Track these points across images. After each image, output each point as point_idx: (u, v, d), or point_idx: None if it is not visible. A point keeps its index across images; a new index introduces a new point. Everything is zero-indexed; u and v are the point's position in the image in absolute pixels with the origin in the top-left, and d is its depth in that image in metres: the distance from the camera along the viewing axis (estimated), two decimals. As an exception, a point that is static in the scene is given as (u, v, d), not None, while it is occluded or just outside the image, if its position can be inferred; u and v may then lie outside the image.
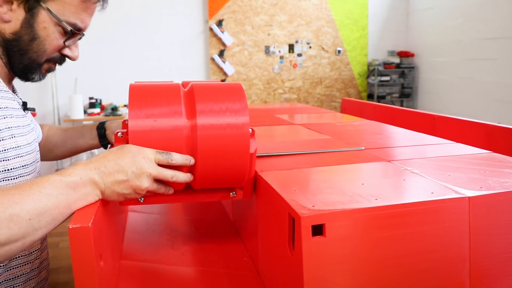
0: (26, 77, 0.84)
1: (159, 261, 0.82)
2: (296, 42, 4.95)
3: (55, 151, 1.10)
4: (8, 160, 0.73)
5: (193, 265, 0.81)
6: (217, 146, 0.67)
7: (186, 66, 4.68)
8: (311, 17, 4.94)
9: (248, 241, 0.87)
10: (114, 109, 4.32)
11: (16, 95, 0.85)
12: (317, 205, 0.56)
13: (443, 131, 1.46)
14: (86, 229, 0.55)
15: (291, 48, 4.94)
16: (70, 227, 0.54)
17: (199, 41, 4.71)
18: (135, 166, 0.62)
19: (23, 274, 0.81)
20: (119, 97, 4.48)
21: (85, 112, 4.29)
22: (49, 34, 0.79)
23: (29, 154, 0.78)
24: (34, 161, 0.80)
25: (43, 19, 0.78)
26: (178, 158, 0.66)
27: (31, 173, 0.78)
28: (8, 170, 0.73)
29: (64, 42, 0.82)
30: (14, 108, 0.77)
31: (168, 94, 0.69)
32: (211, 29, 4.67)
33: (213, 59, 4.72)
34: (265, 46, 4.86)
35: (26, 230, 0.54)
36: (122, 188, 0.62)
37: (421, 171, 0.73)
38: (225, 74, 4.76)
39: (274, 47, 4.89)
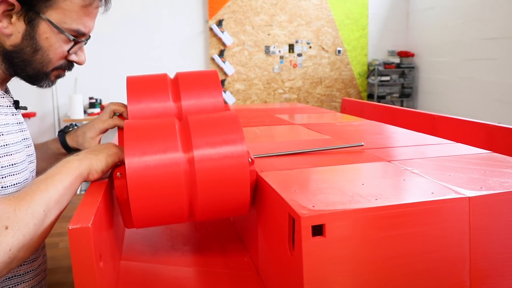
0: (33, 84, 0.83)
1: (159, 262, 0.82)
2: (296, 42, 4.95)
3: None
4: None
5: (193, 266, 0.81)
6: (216, 179, 0.67)
7: (186, 66, 4.67)
8: (311, 17, 4.94)
9: (248, 242, 0.86)
10: (114, 109, 4.30)
11: (8, 94, 0.84)
12: (317, 205, 0.56)
13: (443, 131, 1.46)
14: (86, 229, 0.55)
15: (291, 48, 4.94)
16: (70, 228, 0.54)
17: (199, 41, 4.71)
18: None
19: (19, 275, 0.81)
20: (119, 97, 4.47)
21: (85, 112, 4.29)
22: (52, 44, 0.78)
23: (19, 152, 0.77)
24: (24, 160, 0.79)
25: (44, 30, 0.76)
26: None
27: (22, 171, 0.78)
28: None
29: (68, 51, 0.81)
30: (2, 106, 0.76)
31: (163, 129, 0.69)
32: (211, 29, 4.67)
33: (213, 59, 4.72)
34: (265, 46, 4.86)
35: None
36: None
37: (421, 171, 0.73)
38: (225, 74, 4.75)
39: (274, 47, 4.89)
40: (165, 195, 0.66)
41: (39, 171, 1.01)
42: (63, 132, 0.98)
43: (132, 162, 0.65)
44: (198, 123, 0.71)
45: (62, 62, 0.82)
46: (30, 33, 0.76)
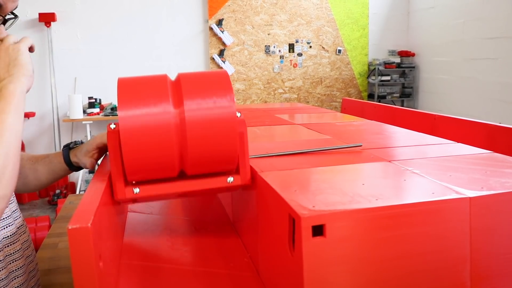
0: None
1: (159, 262, 0.82)
2: (296, 41, 4.94)
3: (30, 185, 1.00)
4: None
5: (193, 266, 0.81)
6: (205, 130, 0.70)
7: (186, 65, 4.67)
8: (312, 17, 4.94)
9: (248, 242, 0.86)
10: (114, 108, 4.31)
11: None
12: (318, 206, 0.56)
13: (444, 131, 1.46)
14: (86, 229, 0.54)
15: (291, 47, 4.94)
16: (70, 228, 0.54)
17: (199, 40, 4.71)
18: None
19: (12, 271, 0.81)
20: (119, 97, 4.47)
21: (84, 112, 4.28)
22: None
23: None
24: None
25: None
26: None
27: None
28: None
29: None
30: None
31: (155, 85, 0.72)
32: (211, 29, 4.66)
33: (213, 59, 4.72)
34: (265, 46, 4.86)
35: None
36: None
37: (422, 171, 0.73)
38: (225, 73, 4.75)
39: (274, 47, 4.89)
40: (157, 148, 0.68)
41: (45, 184, 1.01)
42: (68, 148, 0.98)
43: (125, 115, 0.68)
44: (189, 78, 0.74)
45: None
46: None
